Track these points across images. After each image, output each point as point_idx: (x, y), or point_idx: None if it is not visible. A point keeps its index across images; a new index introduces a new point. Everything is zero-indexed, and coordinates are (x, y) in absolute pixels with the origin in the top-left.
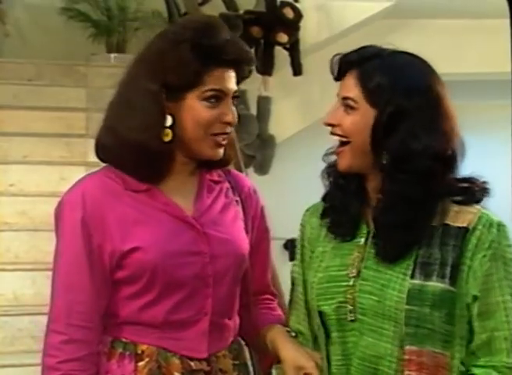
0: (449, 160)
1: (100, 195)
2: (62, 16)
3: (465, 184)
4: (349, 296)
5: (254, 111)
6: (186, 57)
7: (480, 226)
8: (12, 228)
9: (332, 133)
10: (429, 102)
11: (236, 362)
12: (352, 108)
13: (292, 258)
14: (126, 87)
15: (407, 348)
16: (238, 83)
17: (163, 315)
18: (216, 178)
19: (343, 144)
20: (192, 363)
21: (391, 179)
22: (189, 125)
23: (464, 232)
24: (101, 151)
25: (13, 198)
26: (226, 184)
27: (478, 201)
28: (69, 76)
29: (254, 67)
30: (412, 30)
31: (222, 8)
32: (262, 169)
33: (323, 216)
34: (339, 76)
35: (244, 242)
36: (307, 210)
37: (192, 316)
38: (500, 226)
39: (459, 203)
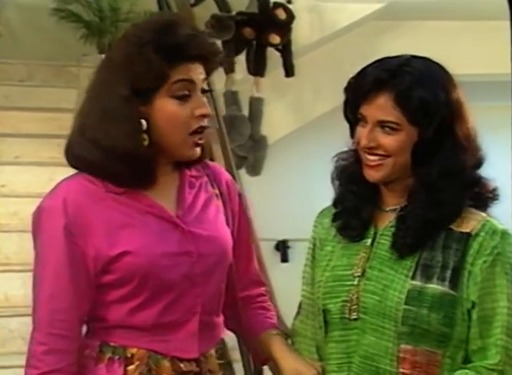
0: (482, 163)
1: (82, 200)
2: (54, 17)
3: (477, 188)
4: (353, 295)
5: (246, 112)
6: (151, 59)
7: (483, 233)
8: (3, 229)
9: (371, 154)
10: (460, 109)
11: (222, 362)
12: (393, 129)
13: (283, 260)
14: (99, 94)
15: (403, 346)
16: (208, 75)
17: (153, 318)
18: (195, 173)
19: (379, 157)
20: (182, 365)
21: (437, 189)
22: (165, 127)
23: (467, 237)
24: (82, 164)
25: (4, 198)
26: (205, 178)
27: (484, 207)
28: (60, 76)
29: (220, 58)
30: (404, 31)
31: (215, 9)
32: (254, 170)
33: (335, 219)
34: (362, 98)
35: (228, 238)
36: (321, 212)
37: (182, 317)
38: (504, 234)
39: (469, 206)
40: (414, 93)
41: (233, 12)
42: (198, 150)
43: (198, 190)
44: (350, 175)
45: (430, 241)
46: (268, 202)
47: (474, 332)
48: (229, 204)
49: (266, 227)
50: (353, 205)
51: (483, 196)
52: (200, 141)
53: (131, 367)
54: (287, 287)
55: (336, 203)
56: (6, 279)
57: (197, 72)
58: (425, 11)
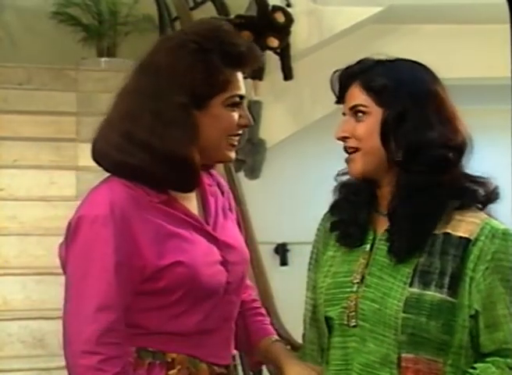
0: (461, 148)
1: (129, 208)
2: (53, 20)
3: (471, 185)
4: (351, 302)
5: None
6: (218, 66)
7: (483, 238)
8: (2, 233)
9: (346, 147)
10: (434, 103)
11: (234, 363)
12: (364, 113)
13: (283, 263)
14: (148, 100)
15: (404, 355)
16: None
17: (193, 325)
18: (208, 181)
19: (353, 151)
20: (216, 368)
21: (406, 171)
22: (213, 132)
23: (466, 243)
24: (124, 169)
25: (3, 202)
26: (216, 186)
27: (482, 206)
28: (59, 80)
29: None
30: (403, 35)
31: (214, 13)
32: (253, 173)
33: (332, 229)
34: (341, 93)
35: (246, 247)
36: (325, 215)
37: (218, 324)
38: (505, 234)
39: (459, 208)
40: (379, 77)
41: (232, 16)
42: (234, 152)
43: (216, 198)
44: (348, 186)
45: (427, 247)
46: (267, 206)
47: (484, 339)
48: (232, 210)
49: (265, 231)
50: (349, 213)
51: (474, 194)
52: (236, 144)
53: (173, 371)
54: (286, 290)
55: (332, 210)
56: (5, 283)
57: (242, 83)
58: (424, 14)
